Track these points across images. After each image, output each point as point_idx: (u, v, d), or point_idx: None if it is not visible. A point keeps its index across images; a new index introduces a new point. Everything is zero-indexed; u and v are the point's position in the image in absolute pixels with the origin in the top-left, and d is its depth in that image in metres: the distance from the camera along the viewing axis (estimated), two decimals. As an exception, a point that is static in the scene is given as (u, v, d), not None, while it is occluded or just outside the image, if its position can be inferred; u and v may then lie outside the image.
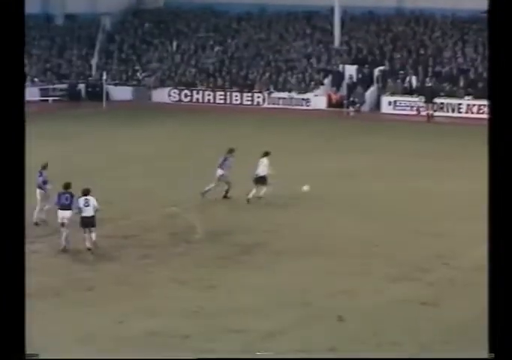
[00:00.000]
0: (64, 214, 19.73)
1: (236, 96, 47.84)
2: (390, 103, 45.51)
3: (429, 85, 45.01)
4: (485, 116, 42.58)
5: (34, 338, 11.80)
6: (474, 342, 13.37)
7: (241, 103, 47.58)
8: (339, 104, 45.98)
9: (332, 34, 49.77)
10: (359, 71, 47.69)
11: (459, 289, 17.32)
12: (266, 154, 24.80)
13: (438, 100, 44.32)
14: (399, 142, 36.01)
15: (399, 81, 46.28)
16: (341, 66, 48.15)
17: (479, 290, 16.44)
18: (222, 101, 47.96)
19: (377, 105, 46.26)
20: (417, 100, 44.70)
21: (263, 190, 24.61)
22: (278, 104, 47.03)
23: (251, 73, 49.10)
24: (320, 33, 51.25)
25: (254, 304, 16.67)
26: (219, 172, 24.76)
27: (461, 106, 44.49)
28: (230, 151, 25.20)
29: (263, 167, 24.55)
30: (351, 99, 45.91)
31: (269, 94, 47.41)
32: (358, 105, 45.66)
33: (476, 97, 44.32)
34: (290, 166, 28.69)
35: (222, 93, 48.02)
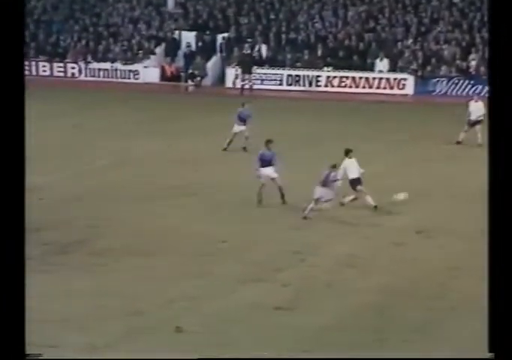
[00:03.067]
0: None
1: (45, 66, 46.91)
2: (236, 76, 45.48)
3: (248, 52, 45.45)
4: (348, 90, 43.43)
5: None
6: (338, 348, 13.60)
7: (51, 75, 46.71)
8: (175, 77, 45.78)
9: None
10: (198, 39, 47.54)
11: (317, 290, 17.44)
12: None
13: (289, 72, 44.81)
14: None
15: (246, 50, 46.31)
16: (176, 32, 47.87)
17: (340, 290, 17.06)
18: (27, 73, 46.42)
19: (221, 78, 46.19)
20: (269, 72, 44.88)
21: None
22: (99, 77, 46.39)
23: (63, 39, 48.15)
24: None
25: (69, 314, 16.17)
26: None
27: (319, 79, 44.89)
28: None
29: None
30: (190, 71, 45.81)
31: (87, 64, 46.66)
32: (198, 78, 45.59)
33: (336, 68, 44.94)
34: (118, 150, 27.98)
35: (26, 63, 46.39)
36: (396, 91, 44.07)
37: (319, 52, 46.27)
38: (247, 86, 44.08)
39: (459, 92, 43.08)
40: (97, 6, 50.36)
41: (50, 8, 50.45)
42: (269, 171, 23.31)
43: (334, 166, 22.14)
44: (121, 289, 17.53)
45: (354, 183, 22.80)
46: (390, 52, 45.45)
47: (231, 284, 17.82)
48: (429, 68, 44.73)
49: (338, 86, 44.53)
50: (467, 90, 42.87)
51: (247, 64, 44.98)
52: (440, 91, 43.61)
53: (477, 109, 31.26)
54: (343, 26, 47.46)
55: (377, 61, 44.97)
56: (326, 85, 44.77)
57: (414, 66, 44.85)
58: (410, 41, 46.18)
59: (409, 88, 44.17)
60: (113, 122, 35.23)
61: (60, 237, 20.86)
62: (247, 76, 44.53)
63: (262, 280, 17.98)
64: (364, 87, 44.29)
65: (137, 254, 19.66)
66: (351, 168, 22.76)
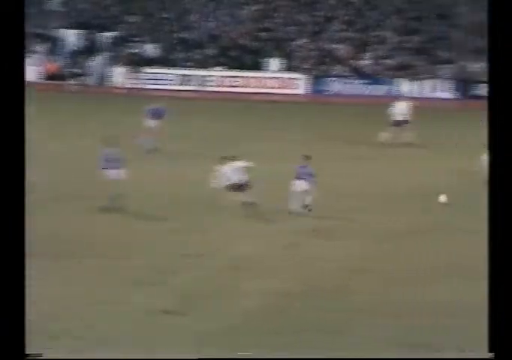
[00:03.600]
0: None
1: None
2: (123, 76, 43.24)
3: (135, 51, 43.89)
4: (240, 90, 40.91)
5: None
6: (231, 351, 12.76)
7: None
8: (58, 76, 43.33)
9: None
10: (82, 37, 45.38)
11: (211, 293, 15.96)
12: None
13: (181, 72, 42.57)
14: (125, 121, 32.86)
15: (134, 49, 44.46)
16: (59, 30, 45.57)
17: (234, 293, 15.70)
18: None
19: (106, 77, 43.80)
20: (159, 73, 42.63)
21: None
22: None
23: None
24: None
25: None
26: None
27: (211, 78, 42.67)
28: None
29: None
30: (73, 70, 43.83)
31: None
32: (82, 77, 43.58)
33: (228, 68, 42.83)
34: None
35: None
36: (289, 90, 41.49)
37: (211, 52, 44.03)
38: (135, 86, 41.76)
39: (352, 91, 40.68)
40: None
41: None
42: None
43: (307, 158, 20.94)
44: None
45: (236, 188, 20.89)
46: (284, 52, 43.16)
47: (123, 287, 16.05)
48: (322, 68, 42.34)
49: (231, 86, 42.19)
50: (361, 89, 40.63)
51: (135, 64, 42.90)
52: (333, 91, 41.10)
53: (402, 109, 29.16)
54: (236, 25, 45.04)
55: (271, 60, 42.69)
56: (218, 85, 42.31)
57: (307, 65, 42.50)
58: (304, 40, 43.84)
59: (302, 87, 41.63)
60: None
61: None
62: (135, 76, 42.05)
63: (154, 283, 16.32)
64: (257, 87, 41.68)
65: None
66: (233, 173, 20.92)
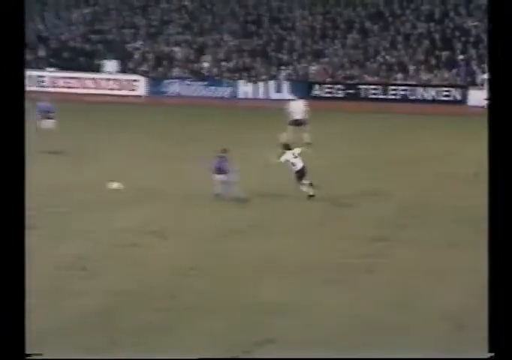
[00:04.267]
0: None
1: None
2: None
3: None
4: (72, 90, 37.88)
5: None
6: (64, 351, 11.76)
7: None
8: None
9: None
10: None
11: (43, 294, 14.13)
12: None
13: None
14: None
15: None
16: None
17: (66, 293, 14.21)
18: None
19: None
20: None
21: None
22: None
23: None
24: None
25: None
26: None
27: (43, 79, 39.50)
28: None
29: None
30: None
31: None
32: None
33: (61, 69, 39.70)
34: None
35: None
36: (127, 92, 38.48)
37: (41, 53, 40.38)
38: None
39: (192, 93, 38.13)
40: None
41: None
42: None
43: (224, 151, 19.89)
44: None
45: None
46: (119, 54, 40.13)
47: None
48: (160, 70, 39.60)
49: (65, 87, 38.53)
50: (200, 91, 38.22)
51: None
52: (173, 92, 38.43)
53: (298, 108, 26.71)
54: (66, 27, 41.75)
55: (106, 62, 39.52)
56: (51, 86, 38.69)
57: (144, 67, 39.69)
58: (139, 43, 41.01)
59: (141, 89, 38.75)
60: None
61: None
62: None
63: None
64: (94, 88, 38.49)
65: None
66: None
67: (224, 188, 19.47)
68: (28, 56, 39.87)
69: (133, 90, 38.71)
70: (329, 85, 37.54)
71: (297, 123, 26.51)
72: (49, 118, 25.23)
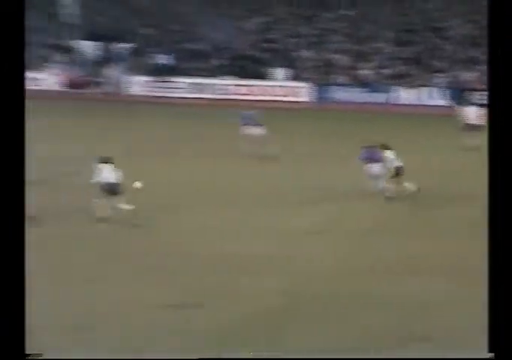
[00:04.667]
0: None
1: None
2: (138, 84, 42.95)
3: (155, 62, 43.64)
4: (247, 97, 40.61)
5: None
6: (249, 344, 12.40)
7: None
8: (76, 85, 43.04)
9: (64, 5, 46.63)
10: (99, 48, 45.18)
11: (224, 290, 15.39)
12: None
13: (191, 80, 42.34)
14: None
15: (147, 59, 44.13)
16: (76, 42, 45.34)
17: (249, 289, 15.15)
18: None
19: (122, 85, 43.39)
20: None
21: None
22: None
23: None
24: (50, 4, 47.30)
25: None
26: None
27: (219, 87, 42.29)
28: None
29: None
30: (93, 79, 43.50)
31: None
32: (99, 85, 43.22)
33: (235, 77, 42.46)
34: None
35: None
36: (294, 98, 41.31)
37: (218, 62, 43.85)
38: (156, 94, 41.78)
39: (353, 99, 40.56)
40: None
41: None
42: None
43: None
44: None
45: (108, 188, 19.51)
46: (287, 62, 42.98)
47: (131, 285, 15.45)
48: (324, 77, 42.28)
49: (238, 94, 41.66)
50: (361, 97, 40.59)
51: (149, 73, 42.82)
52: (336, 98, 41.02)
53: (471, 114, 28.22)
54: (242, 37, 44.87)
55: (276, 70, 42.49)
56: (225, 93, 41.93)
57: (310, 75, 42.42)
58: (306, 51, 43.77)
59: (306, 95, 41.50)
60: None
61: None
62: (149, 84, 41.96)
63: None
64: (264, 94, 41.49)
65: None
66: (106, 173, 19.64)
67: (375, 181, 21.10)
68: (204, 65, 43.46)
69: (299, 96, 41.48)
70: (483, 92, 39.04)
71: (471, 128, 27.78)
72: (253, 124, 27.31)
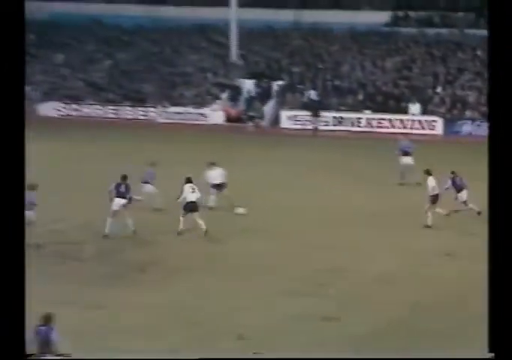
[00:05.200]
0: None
1: (129, 110, 47.68)
2: (289, 118, 46.06)
3: (315, 99, 46.04)
4: (385, 130, 43.84)
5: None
6: (381, 353, 13.66)
7: (134, 118, 47.34)
8: (237, 119, 46.33)
9: (228, 47, 50.18)
10: (257, 85, 48.23)
11: (360, 303, 17.44)
12: None
13: (335, 114, 45.30)
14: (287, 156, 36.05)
15: (297, 95, 46.97)
16: (238, 80, 48.60)
17: (382, 303, 17.06)
18: (114, 116, 47.62)
19: (276, 119, 46.61)
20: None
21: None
22: (174, 119, 46.92)
23: (144, 86, 49.11)
24: (216, 46, 51.59)
25: (145, 323, 16.61)
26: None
27: (360, 120, 45.34)
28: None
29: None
30: (249, 113, 46.38)
31: (164, 108, 47.29)
32: (257, 120, 46.05)
33: (375, 111, 45.36)
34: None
35: (113, 107, 47.78)
36: (427, 131, 44.39)
37: (360, 97, 46.76)
38: (311, 127, 44.46)
39: (482, 133, 43.21)
40: (172, 57, 51.51)
41: (133, 59, 51.76)
42: None
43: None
44: (187, 302, 17.98)
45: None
46: (422, 98, 45.87)
47: (278, 298, 18.00)
48: (455, 112, 45.13)
49: (377, 127, 44.71)
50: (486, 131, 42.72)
51: (299, 107, 45.62)
52: (466, 132, 43.91)
53: None
54: (381, 74, 47.92)
55: (411, 105, 45.27)
56: (366, 126, 45.03)
57: (442, 110, 45.28)
58: (439, 88, 46.64)
59: (439, 128, 44.48)
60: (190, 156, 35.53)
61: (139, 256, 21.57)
62: (299, 118, 45.06)
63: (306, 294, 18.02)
64: (399, 127, 44.56)
65: (201, 273, 20.12)
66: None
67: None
68: (350, 100, 46.72)
69: (432, 129, 44.57)
70: None
71: None
72: (407, 154, 29.71)
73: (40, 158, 31.56)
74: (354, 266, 20.26)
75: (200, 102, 47.89)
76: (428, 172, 23.81)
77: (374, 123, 44.95)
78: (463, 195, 24.33)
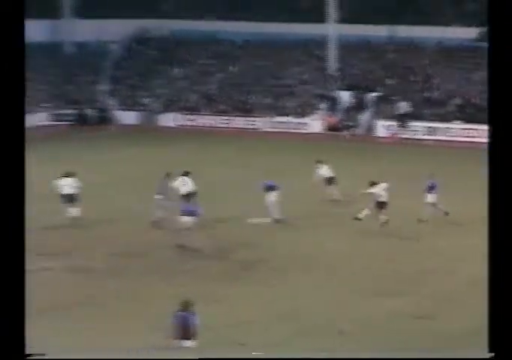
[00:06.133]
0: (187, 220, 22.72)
1: (238, 120, 49.17)
2: (384, 127, 46.70)
3: (407, 110, 46.40)
4: (474, 140, 43.38)
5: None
6: (475, 352, 13.18)
7: (242, 128, 48.71)
8: (335, 128, 47.17)
9: (327, 60, 51.09)
10: (353, 96, 48.85)
11: (455, 303, 17.69)
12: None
13: (426, 124, 45.66)
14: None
15: (391, 106, 47.49)
16: (336, 91, 49.45)
17: (477, 303, 16.26)
18: (225, 125, 49.26)
19: (372, 128, 47.20)
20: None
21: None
22: (278, 128, 48.13)
23: (252, 98, 50.55)
24: (316, 60, 52.67)
25: (255, 317, 17.57)
26: None
27: (450, 130, 45.61)
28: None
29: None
30: (346, 123, 47.13)
31: (269, 118, 48.53)
32: (353, 129, 46.75)
33: (464, 121, 45.45)
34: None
35: (224, 117, 49.62)
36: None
37: (450, 108, 46.98)
38: (398, 136, 45.11)
39: None
40: (276, 70, 52.96)
41: (243, 72, 53.42)
42: None
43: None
44: (292, 298, 18.71)
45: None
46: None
47: (376, 297, 18.52)
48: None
49: (467, 136, 44.70)
50: None
51: (392, 118, 46.35)
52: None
53: None
54: (470, 86, 47.94)
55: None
56: (455, 135, 45.17)
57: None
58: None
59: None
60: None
61: (249, 256, 22.73)
62: (400, 128, 45.74)
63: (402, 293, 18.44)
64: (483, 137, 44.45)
65: (305, 272, 20.89)
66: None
67: None
68: (439, 110, 47.32)
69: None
70: None
71: None
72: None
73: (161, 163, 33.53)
74: (447, 268, 20.53)
75: (301, 112, 49.31)
76: (373, 183, 24.47)
77: (465, 133, 44.91)
78: (433, 197, 25.06)
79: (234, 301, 18.91)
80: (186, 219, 22.92)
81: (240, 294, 19.50)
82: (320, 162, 28.99)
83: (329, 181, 28.57)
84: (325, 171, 28.70)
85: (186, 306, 14.34)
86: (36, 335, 12.35)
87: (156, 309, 17.85)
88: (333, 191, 28.70)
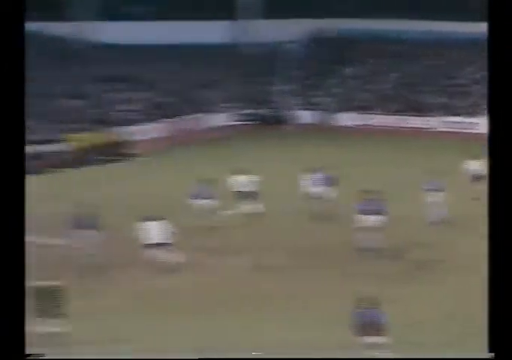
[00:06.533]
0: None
1: (412, 120, 48.83)
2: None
3: None
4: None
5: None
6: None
7: (416, 127, 48.32)
8: None
9: None
10: None
11: None
12: None
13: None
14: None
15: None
16: None
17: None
18: (398, 125, 48.86)
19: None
20: None
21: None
22: (451, 128, 47.52)
23: (425, 97, 50.20)
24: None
25: (429, 317, 17.71)
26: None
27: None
28: None
29: None
30: None
31: (442, 118, 48.03)
32: None
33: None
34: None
35: (398, 117, 49.24)
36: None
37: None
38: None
39: None
40: (450, 70, 51.98)
41: (416, 72, 52.77)
42: None
43: None
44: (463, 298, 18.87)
45: None
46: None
47: None
48: None
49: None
50: None
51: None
52: None
53: None
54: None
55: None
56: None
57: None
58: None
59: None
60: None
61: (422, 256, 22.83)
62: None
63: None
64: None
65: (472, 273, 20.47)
66: None
67: None
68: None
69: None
70: None
71: None
72: None
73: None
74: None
75: (473, 112, 48.39)
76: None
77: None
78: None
79: (409, 300, 19.09)
80: (371, 218, 22.87)
81: (415, 294, 19.71)
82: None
83: (478, 178, 27.44)
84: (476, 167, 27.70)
85: (374, 303, 14.34)
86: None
87: (333, 307, 18.40)
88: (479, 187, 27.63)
